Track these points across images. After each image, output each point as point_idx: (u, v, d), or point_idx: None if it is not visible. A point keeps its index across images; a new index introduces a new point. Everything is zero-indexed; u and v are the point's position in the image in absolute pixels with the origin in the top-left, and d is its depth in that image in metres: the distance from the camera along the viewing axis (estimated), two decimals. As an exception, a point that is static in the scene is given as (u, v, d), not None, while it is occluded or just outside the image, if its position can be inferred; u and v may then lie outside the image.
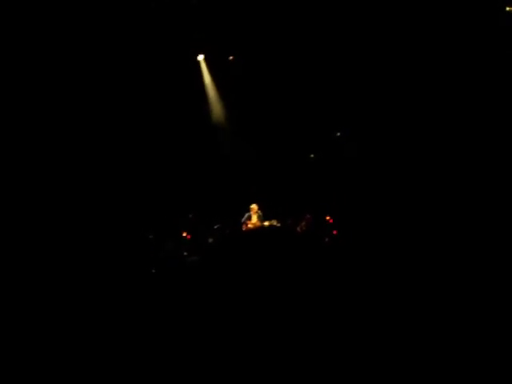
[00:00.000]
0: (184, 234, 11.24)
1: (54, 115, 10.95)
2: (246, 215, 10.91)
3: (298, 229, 10.53)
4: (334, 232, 10.53)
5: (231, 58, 12.78)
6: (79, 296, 7.08)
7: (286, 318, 4.94)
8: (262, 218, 10.74)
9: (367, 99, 11.94)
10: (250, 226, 10.69)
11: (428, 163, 10.79)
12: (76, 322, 5.58)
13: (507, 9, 9.80)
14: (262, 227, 10.32)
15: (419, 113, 11.06)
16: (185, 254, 10.63)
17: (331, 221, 10.86)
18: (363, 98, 11.98)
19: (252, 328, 4.75)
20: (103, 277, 8.52)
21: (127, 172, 12.11)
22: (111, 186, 11.71)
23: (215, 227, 11.47)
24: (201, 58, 12.87)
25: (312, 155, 12.91)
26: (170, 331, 5.05)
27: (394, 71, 11.28)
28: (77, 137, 11.27)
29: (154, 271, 9.67)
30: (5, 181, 9.77)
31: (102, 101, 11.69)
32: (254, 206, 10.87)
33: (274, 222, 10.39)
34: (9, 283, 6.60)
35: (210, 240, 10.94)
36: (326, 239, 10.28)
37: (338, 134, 12.55)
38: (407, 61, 11.05)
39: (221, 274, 7.23)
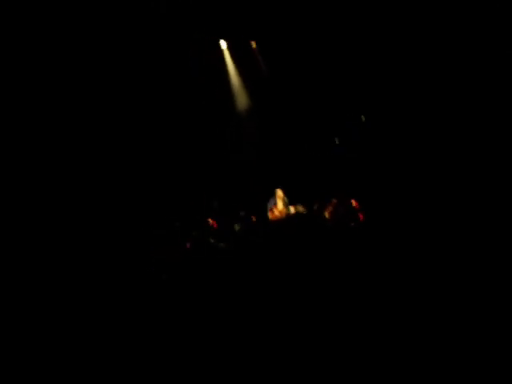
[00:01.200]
0: (210, 221, 11.28)
1: (77, 91, 11.05)
2: (272, 200, 10.91)
3: (326, 215, 10.49)
4: (361, 216, 10.45)
5: (253, 45, 12.76)
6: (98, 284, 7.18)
7: (314, 307, 4.97)
8: (287, 204, 10.74)
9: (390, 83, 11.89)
10: (276, 212, 10.69)
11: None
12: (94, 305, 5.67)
13: None
14: (289, 215, 10.32)
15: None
16: (212, 241, 10.67)
17: (357, 205, 10.79)
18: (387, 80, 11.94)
19: (279, 318, 4.79)
20: (127, 266, 8.63)
21: (150, 160, 12.21)
22: (135, 173, 11.81)
23: (241, 214, 11.49)
24: (224, 45, 12.84)
25: (336, 140, 12.86)
26: (195, 320, 5.12)
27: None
28: (95, 123, 11.37)
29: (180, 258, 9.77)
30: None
31: (121, 86, 11.75)
32: (279, 192, 10.88)
33: (300, 208, 10.37)
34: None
35: (237, 227, 10.96)
36: (352, 224, 10.21)
37: (363, 116, 12.46)
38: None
39: (250, 263, 7.28)
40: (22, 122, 10.23)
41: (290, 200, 10.88)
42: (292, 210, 10.45)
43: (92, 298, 5.06)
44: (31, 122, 10.34)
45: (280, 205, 10.73)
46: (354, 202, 10.96)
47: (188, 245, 10.58)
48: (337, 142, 12.63)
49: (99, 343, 4.03)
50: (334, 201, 10.73)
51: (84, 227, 10.14)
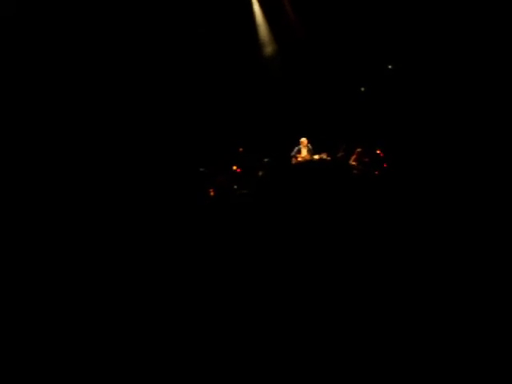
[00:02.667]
0: (234, 168, 11.35)
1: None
2: (296, 149, 10.92)
3: (351, 162, 10.52)
4: (385, 165, 10.44)
5: None
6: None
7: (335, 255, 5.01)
8: (312, 152, 10.73)
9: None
10: (299, 159, 10.71)
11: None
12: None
13: None
14: (312, 161, 10.32)
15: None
16: (235, 187, 10.78)
17: (382, 154, 10.75)
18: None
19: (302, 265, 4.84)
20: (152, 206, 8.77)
21: (178, 107, 12.23)
22: (165, 118, 11.87)
23: (265, 160, 11.53)
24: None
25: (363, 88, 12.71)
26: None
27: None
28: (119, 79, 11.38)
29: (205, 203, 9.90)
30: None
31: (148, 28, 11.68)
32: (303, 140, 10.86)
33: (324, 156, 10.38)
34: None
35: (260, 173, 11.02)
36: (376, 172, 10.21)
37: (390, 66, 12.28)
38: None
39: (272, 209, 7.34)
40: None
41: (314, 148, 10.84)
42: (316, 157, 10.44)
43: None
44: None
45: (304, 152, 10.74)
46: (379, 152, 10.93)
47: (212, 191, 10.70)
48: (362, 90, 12.51)
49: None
50: (359, 149, 10.72)
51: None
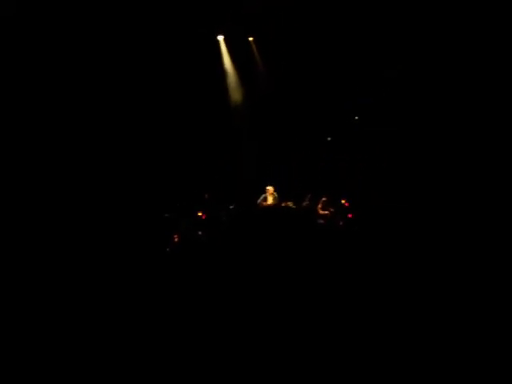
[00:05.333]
0: (199, 214, 11.25)
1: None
2: (262, 196, 10.92)
3: (316, 210, 10.55)
4: (349, 215, 10.49)
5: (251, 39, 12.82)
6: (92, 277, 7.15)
7: (294, 301, 4.95)
8: (277, 200, 10.75)
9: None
10: (265, 206, 10.71)
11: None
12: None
13: None
14: (277, 206, 10.33)
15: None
16: (199, 233, 10.66)
17: (347, 204, 10.83)
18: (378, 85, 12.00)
19: (260, 310, 4.77)
20: (116, 254, 8.58)
21: (143, 151, 12.17)
22: (128, 164, 11.77)
23: (230, 207, 11.49)
24: (221, 38, 12.86)
25: (329, 138, 12.89)
26: (180, 311, 5.09)
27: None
28: (91, 117, 11.32)
29: (168, 250, 9.73)
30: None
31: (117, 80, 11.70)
32: (269, 188, 10.88)
33: (290, 204, 10.39)
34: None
35: (225, 220, 10.95)
36: (341, 222, 10.24)
37: (356, 117, 12.52)
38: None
39: (235, 255, 7.26)
40: (22, 121, 10.16)
41: (280, 197, 10.87)
42: (282, 205, 10.45)
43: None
44: (30, 121, 10.27)
45: (270, 200, 10.74)
46: (343, 202, 11.01)
47: (176, 237, 10.55)
48: (329, 139, 12.69)
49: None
50: (324, 199, 10.78)
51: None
